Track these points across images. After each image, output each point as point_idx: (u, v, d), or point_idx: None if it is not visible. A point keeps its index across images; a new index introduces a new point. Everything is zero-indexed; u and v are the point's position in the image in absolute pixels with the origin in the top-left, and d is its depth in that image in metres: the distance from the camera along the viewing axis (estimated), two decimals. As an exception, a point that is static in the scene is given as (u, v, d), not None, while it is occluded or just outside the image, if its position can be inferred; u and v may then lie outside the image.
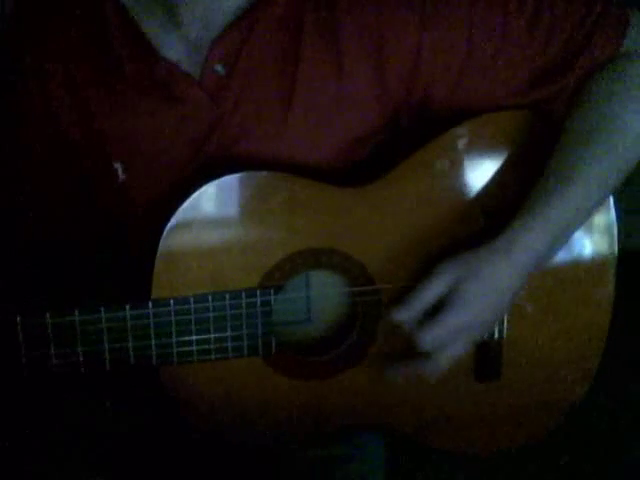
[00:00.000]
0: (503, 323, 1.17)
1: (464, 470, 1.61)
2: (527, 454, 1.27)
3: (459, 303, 1.02)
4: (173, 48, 1.05)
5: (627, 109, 1.03)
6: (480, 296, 1.02)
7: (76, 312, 1.02)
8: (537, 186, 1.02)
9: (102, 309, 1.02)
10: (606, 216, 1.17)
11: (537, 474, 1.80)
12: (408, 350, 1.07)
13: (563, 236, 1.05)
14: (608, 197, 1.11)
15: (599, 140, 1.02)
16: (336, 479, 1.21)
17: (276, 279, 1.07)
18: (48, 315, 1.01)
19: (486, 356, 1.18)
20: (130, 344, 1.04)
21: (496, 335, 1.17)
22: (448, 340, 1.04)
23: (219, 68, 1.05)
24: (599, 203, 1.08)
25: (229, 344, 1.07)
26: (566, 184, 1.01)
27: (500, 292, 1.03)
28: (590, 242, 1.18)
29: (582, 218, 1.05)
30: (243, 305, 1.06)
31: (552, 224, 1.01)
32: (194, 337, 1.06)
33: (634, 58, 1.05)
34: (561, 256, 1.17)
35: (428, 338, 1.03)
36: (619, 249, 1.19)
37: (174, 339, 1.05)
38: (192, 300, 1.04)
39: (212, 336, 1.06)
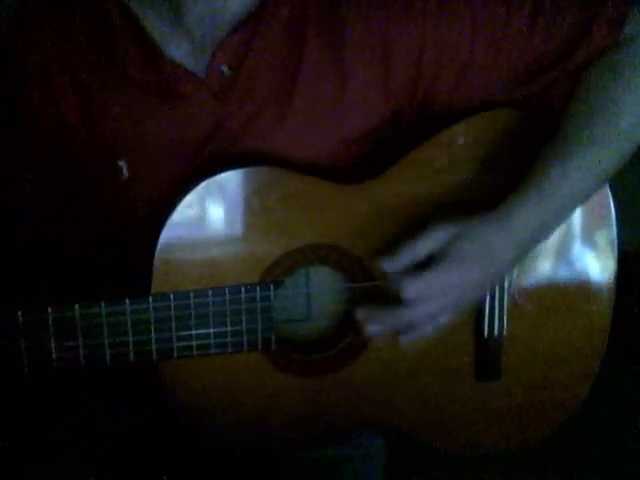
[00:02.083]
0: (503, 321, 1.17)
1: (464, 470, 1.60)
2: (527, 454, 1.26)
3: (449, 261, 1.00)
4: (178, 48, 1.06)
5: (627, 94, 1.04)
6: (472, 258, 1.01)
7: (76, 306, 1.02)
8: (535, 163, 1.03)
9: (102, 303, 1.02)
10: (607, 217, 1.18)
11: (537, 474, 1.79)
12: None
13: (559, 214, 1.05)
14: (606, 181, 1.11)
15: (599, 123, 1.03)
16: (336, 479, 1.21)
17: (276, 275, 1.08)
18: (49, 309, 1.01)
19: (486, 356, 1.18)
20: (130, 338, 1.04)
21: (496, 334, 1.17)
22: (430, 294, 1.01)
23: (224, 69, 1.06)
24: (597, 185, 1.08)
25: (229, 339, 1.07)
26: (565, 162, 1.01)
27: (493, 260, 1.02)
28: (591, 242, 1.19)
29: (580, 197, 1.05)
30: (243, 300, 1.06)
31: (548, 200, 1.01)
32: (193, 332, 1.06)
33: (632, 46, 1.06)
34: (562, 256, 1.18)
35: (410, 287, 1.00)
36: (619, 249, 1.19)
37: (174, 333, 1.05)
38: (192, 295, 1.05)
39: (212, 331, 1.06)
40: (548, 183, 1.01)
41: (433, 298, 1.02)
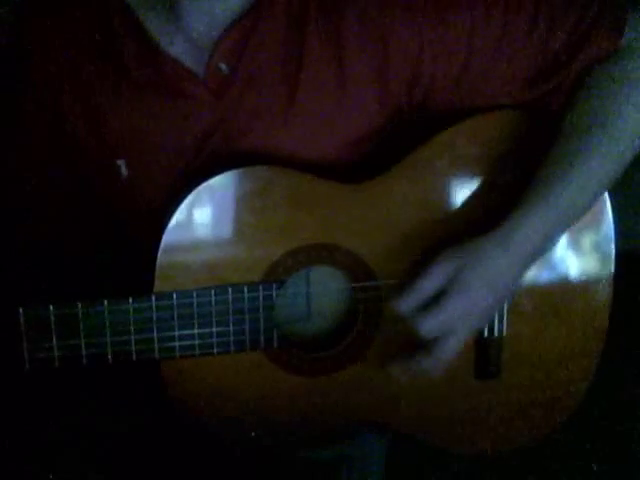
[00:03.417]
0: (503, 321, 1.17)
1: (464, 470, 1.60)
2: (527, 454, 1.26)
3: (459, 291, 1.02)
4: (177, 46, 1.06)
5: (625, 103, 1.05)
6: (480, 284, 1.02)
7: (79, 304, 1.02)
8: (536, 177, 1.03)
9: (105, 301, 1.02)
10: (604, 217, 1.18)
11: (537, 474, 1.79)
12: (410, 345, 1.07)
13: (562, 227, 1.06)
14: (605, 191, 1.12)
15: (597, 134, 1.04)
16: (336, 479, 1.21)
17: (278, 274, 1.08)
18: (51, 307, 1.01)
19: (486, 354, 1.18)
20: (132, 337, 1.04)
21: (496, 333, 1.17)
22: (448, 328, 1.03)
23: (223, 67, 1.06)
24: (599, 194, 1.09)
25: (231, 338, 1.07)
26: (564, 175, 1.02)
27: (499, 281, 1.03)
28: (589, 242, 1.19)
29: (581, 209, 1.06)
30: (245, 299, 1.07)
31: (551, 214, 1.02)
32: (196, 331, 1.06)
33: (630, 55, 1.07)
34: (561, 256, 1.18)
35: (428, 326, 1.02)
36: (619, 249, 1.20)
37: (176, 332, 1.05)
38: (195, 294, 1.05)
39: (214, 330, 1.07)
40: (551, 197, 1.02)
41: (447, 329, 1.03)
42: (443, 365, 1.07)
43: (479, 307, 1.04)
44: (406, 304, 1.04)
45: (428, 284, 1.03)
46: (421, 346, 1.05)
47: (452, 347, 1.05)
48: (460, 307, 1.02)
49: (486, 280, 1.02)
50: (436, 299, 1.03)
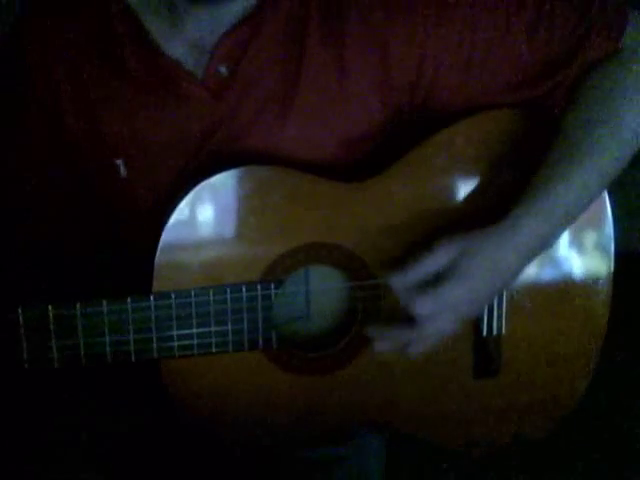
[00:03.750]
0: (502, 319, 1.17)
1: (464, 470, 1.60)
2: (527, 454, 1.26)
3: (458, 276, 1.02)
4: (177, 47, 1.07)
5: (624, 103, 1.05)
6: (479, 273, 1.02)
7: (78, 304, 1.02)
8: (538, 173, 1.03)
9: (104, 301, 1.03)
10: (603, 215, 1.18)
11: (537, 473, 1.79)
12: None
13: (562, 224, 1.06)
14: (606, 187, 1.12)
15: (598, 131, 1.04)
16: (336, 479, 1.21)
17: (277, 274, 1.08)
18: (50, 307, 1.01)
19: (485, 353, 1.18)
20: (131, 337, 1.04)
21: (495, 331, 1.17)
22: (441, 311, 1.03)
23: (222, 69, 1.06)
24: (598, 192, 1.09)
25: (230, 338, 1.07)
26: (567, 171, 1.02)
27: (499, 273, 1.03)
28: (588, 241, 1.20)
29: (581, 206, 1.06)
30: (244, 299, 1.07)
31: (553, 210, 1.02)
32: (195, 330, 1.06)
33: (631, 55, 1.07)
34: (561, 255, 1.18)
35: (423, 306, 1.02)
36: (619, 249, 1.20)
37: (175, 332, 1.05)
38: (193, 293, 1.05)
39: (213, 329, 1.07)
40: (552, 195, 1.02)
41: (443, 314, 1.03)
42: (425, 346, 1.06)
43: (475, 296, 1.04)
44: (405, 280, 1.03)
45: (427, 265, 1.02)
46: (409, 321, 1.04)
47: (439, 331, 1.04)
48: (458, 293, 1.02)
49: (486, 270, 1.02)
50: (434, 281, 1.02)
